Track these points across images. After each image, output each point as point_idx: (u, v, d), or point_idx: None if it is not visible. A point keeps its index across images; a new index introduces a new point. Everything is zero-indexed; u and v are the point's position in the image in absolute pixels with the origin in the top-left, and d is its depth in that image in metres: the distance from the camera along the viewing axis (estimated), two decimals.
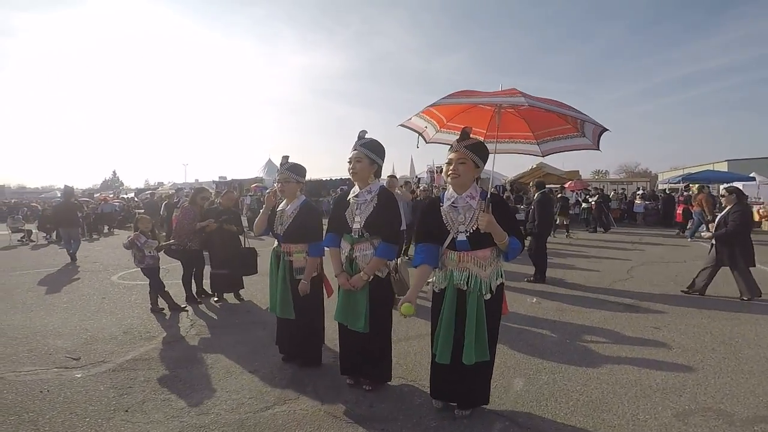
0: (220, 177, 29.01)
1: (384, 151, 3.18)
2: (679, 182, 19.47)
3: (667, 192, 19.38)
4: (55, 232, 14.72)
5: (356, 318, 3.05)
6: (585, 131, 2.97)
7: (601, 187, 21.29)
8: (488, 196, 2.64)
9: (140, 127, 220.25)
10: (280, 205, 3.66)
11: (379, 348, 3.17)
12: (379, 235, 3.05)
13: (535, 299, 5.82)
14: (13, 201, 33.83)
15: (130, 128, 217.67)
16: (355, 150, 3.10)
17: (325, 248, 3.41)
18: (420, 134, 3.38)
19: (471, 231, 2.63)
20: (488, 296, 2.66)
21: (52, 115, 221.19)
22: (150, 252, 5.40)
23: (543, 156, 3.29)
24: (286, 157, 3.68)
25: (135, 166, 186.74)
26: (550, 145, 3.19)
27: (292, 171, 3.58)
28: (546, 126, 3.10)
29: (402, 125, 3.31)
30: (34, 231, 14.77)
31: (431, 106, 2.92)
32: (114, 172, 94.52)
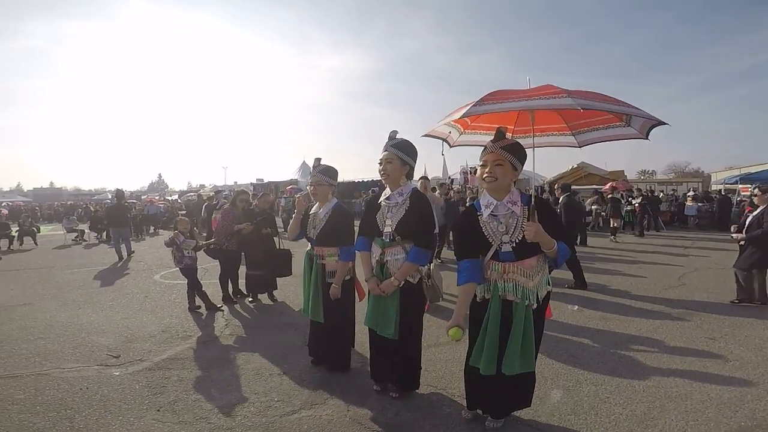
0: (257, 179, 29.74)
1: (416, 151, 3.07)
2: (736, 182, 18.25)
3: (723, 193, 18.21)
4: (105, 232, 15.53)
5: (386, 324, 2.95)
6: (631, 123, 2.74)
7: (650, 188, 20.27)
8: (532, 201, 2.47)
9: (183, 132, 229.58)
10: (313, 208, 3.63)
11: (408, 355, 3.07)
12: (411, 240, 2.94)
13: (576, 307, 5.54)
14: (69, 202, 35.96)
15: (174, 133, 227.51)
16: (385, 151, 3.01)
17: (356, 252, 3.35)
18: (444, 140, 3.26)
19: (516, 241, 2.47)
20: (535, 305, 2.52)
21: (103, 120, 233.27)
22: (188, 252, 5.54)
23: (579, 147, 3.07)
24: (318, 160, 3.65)
25: (179, 169, 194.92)
26: (587, 136, 2.98)
27: (324, 174, 3.54)
28: (582, 116, 2.89)
29: (427, 135, 3.19)
30: (86, 231, 15.60)
31: (463, 116, 2.78)
32: (159, 174, 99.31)
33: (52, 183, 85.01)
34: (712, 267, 8.29)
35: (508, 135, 2.91)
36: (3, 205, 26.25)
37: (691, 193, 18.96)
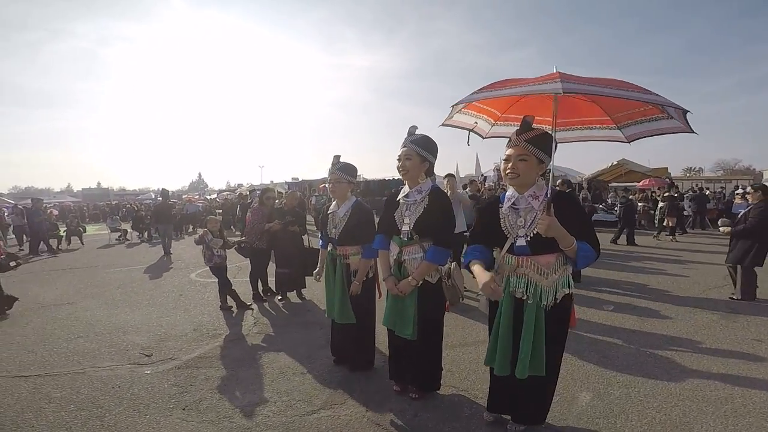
0: (292, 178, 30.17)
1: (436, 147, 2.98)
2: None
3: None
4: (147, 232, 16.16)
5: (404, 324, 2.89)
6: (669, 112, 2.48)
7: (699, 185, 19.27)
8: (548, 194, 2.32)
9: (223, 132, 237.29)
10: (331, 207, 3.61)
11: (428, 356, 3.01)
12: (430, 238, 2.87)
13: (611, 307, 5.31)
14: (114, 202, 37.47)
15: (214, 133, 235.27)
16: (404, 147, 2.93)
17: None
18: (471, 131, 3.12)
19: (532, 235, 2.35)
20: (550, 306, 2.37)
21: (148, 121, 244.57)
22: (217, 251, 5.65)
23: (629, 142, 2.75)
24: (337, 157, 3.63)
25: (218, 168, 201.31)
26: (633, 130, 2.68)
27: (343, 171, 3.51)
28: (622, 108, 2.64)
29: (444, 124, 3.06)
30: (129, 230, 16.25)
31: (464, 102, 2.65)
32: (200, 174, 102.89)
33: (99, 183, 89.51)
34: (763, 266, 7.77)
35: (546, 127, 2.71)
36: (53, 205, 27.69)
37: (739, 191, 17.88)
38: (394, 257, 3.00)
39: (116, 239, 15.44)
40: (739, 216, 5.81)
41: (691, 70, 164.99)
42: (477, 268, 2.47)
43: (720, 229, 6.05)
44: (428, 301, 2.91)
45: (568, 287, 2.42)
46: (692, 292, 6.00)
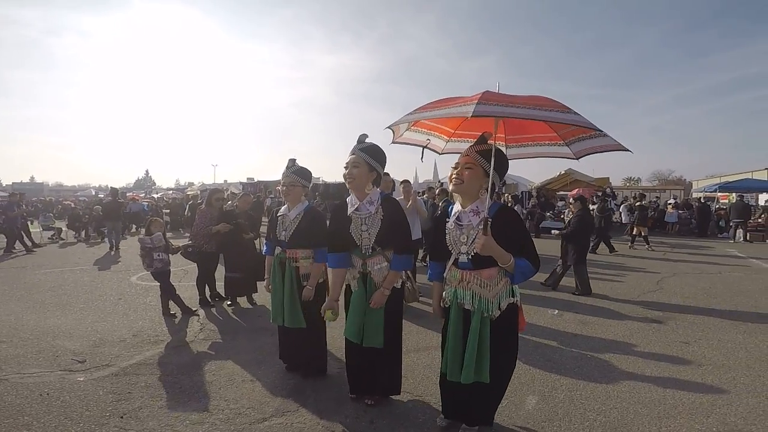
0: (248, 178, 29.32)
1: (385, 157, 2.96)
2: (715, 191, 18.64)
3: (702, 201, 18.57)
4: (84, 231, 15.17)
5: (375, 334, 2.84)
6: (600, 131, 2.53)
7: (641, 194, 20.59)
8: (486, 213, 2.35)
9: (172, 128, 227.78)
10: (282, 210, 3.54)
11: (392, 360, 3.00)
12: (392, 247, 2.87)
13: (556, 311, 5.55)
14: (48, 198, 34.90)
15: (162, 129, 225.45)
16: (353, 154, 2.89)
17: (330, 268, 3.21)
18: (425, 147, 3.10)
19: (472, 253, 2.40)
20: (495, 315, 2.42)
21: (89, 114, 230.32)
22: (158, 255, 5.37)
23: (577, 158, 2.81)
24: (292, 160, 3.56)
25: (167, 166, 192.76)
26: (579, 146, 2.75)
27: (298, 175, 3.46)
28: (568, 126, 2.65)
29: (395, 142, 3.02)
30: (63, 229, 15.19)
31: (396, 123, 2.67)
32: (147, 171, 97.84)
33: (33, 178, 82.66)
34: (690, 272, 8.43)
35: (499, 144, 2.79)
36: None
37: (671, 201, 19.33)
38: (359, 270, 2.93)
39: (48, 238, 14.38)
40: (566, 222, 6.95)
41: (638, 83, 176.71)
42: (435, 296, 2.73)
43: (553, 232, 7.54)
44: (393, 306, 2.91)
45: (512, 296, 2.48)
46: (628, 297, 6.39)
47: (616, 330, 4.82)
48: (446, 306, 2.61)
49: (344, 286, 3.06)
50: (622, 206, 17.37)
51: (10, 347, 4.31)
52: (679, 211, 17.34)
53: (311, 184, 3.72)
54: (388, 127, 2.86)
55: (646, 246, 11.98)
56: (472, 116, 2.10)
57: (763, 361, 3.90)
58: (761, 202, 19.88)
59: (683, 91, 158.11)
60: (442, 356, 2.64)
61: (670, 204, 18.46)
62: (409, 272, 3.04)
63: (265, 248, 3.78)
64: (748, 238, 13.98)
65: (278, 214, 3.53)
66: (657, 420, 2.89)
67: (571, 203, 7.83)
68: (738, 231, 14.17)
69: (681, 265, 9.27)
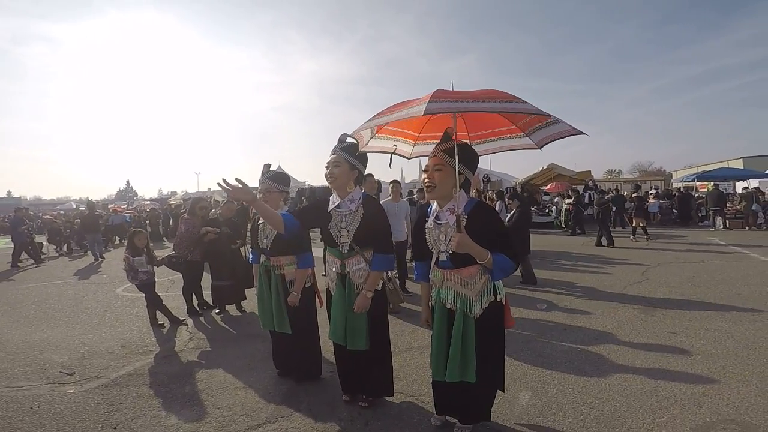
0: None
1: (366, 156, 2.98)
2: (693, 180, 19.03)
3: (682, 190, 18.92)
4: (66, 245, 14.89)
5: (357, 337, 2.84)
6: (554, 117, 2.49)
7: (617, 187, 20.90)
8: (459, 210, 2.36)
9: (153, 137, 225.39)
10: (262, 218, 3.51)
11: (380, 362, 2.99)
12: (371, 247, 2.87)
13: (545, 306, 5.60)
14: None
15: (143, 138, 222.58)
16: (334, 153, 2.90)
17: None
18: (393, 153, 3.07)
19: (450, 251, 2.40)
20: (477, 314, 2.42)
21: (65, 126, 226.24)
22: (143, 267, 5.29)
23: (539, 147, 2.76)
24: (267, 166, 3.54)
25: (149, 176, 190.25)
26: (539, 135, 2.70)
27: (274, 180, 3.44)
28: (522, 117, 2.65)
29: (362, 150, 2.91)
30: (44, 243, 14.87)
31: (358, 130, 2.59)
32: (128, 182, 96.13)
33: (9, 192, 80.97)
34: (673, 262, 8.57)
35: (464, 141, 2.78)
36: None
37: (653, 191, 19.65)
38: (336, 270, 2.94)
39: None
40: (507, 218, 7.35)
41: (617, 77, 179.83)
42: (423, 298, 2.77)
43: None
44: (375, 307, 2.90)
45: (495, 294, 2.47)
46: (615, 289, 6.47)
47: (604, 322, 4.88)
48: (432, 306, 2.62)
49: (325, 290, 3.08)
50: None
51: None
52: (661, 201, 17.64)
53: (297, 189, 3.70)
54: (350, 136, 2.80)
55: (645, 237, 11.86)
56: (424, 114, 2.11)
57: (750, 348, 3.98)
58: (738, 190, 20.32)
59: (661, 83, 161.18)
60: (431, 356, 2.64)
61: (651, 194, 18.78)
62: (391, 273, 3.03)
63: (251, 256, 3.75)
64: (727, 225, 14.26)
65: (259, 222, 3.50)
66: (650, 411, 2.93)
67: (510, 201, 8.26)
68: (717, 219, 14.44)
69: (665, 255, 9.41)
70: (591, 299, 5.92)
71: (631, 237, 12.07)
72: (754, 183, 19.34)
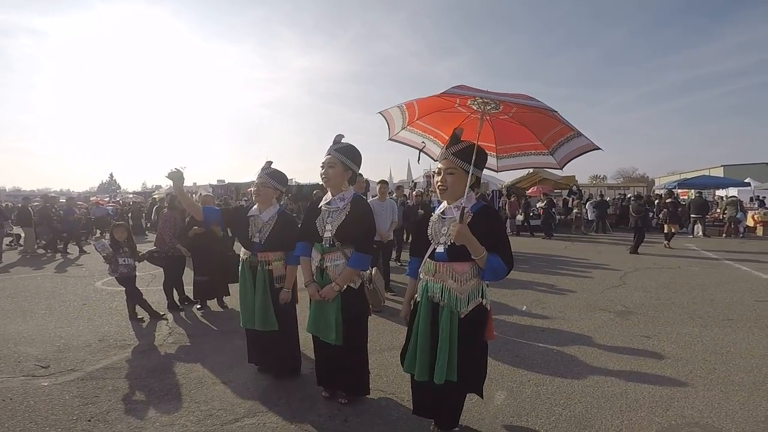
0: (218, 180, 28.69)
1: (360, 157, 3.03)
2: (675, 187, 19.43)
3: (664, 197, 19.30)
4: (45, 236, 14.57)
5: (328, 330, 2.91)
6: (576, 130, 2.59)
7: (601, 192, 21.24)
8: (467, 205, 2.43)
9: (138, 130, 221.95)
10: (252, 211, 3.52)
11: (354, 360, 3.03)
12: (352, 245, 2.92)
13: (525, 307, 5.70)
14: (5, 204, 33.32)
15: (128, 131, 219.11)
16: (328, 154, 2.97)
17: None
18: (421, 150, 3.08)
19: (450, 242, 2.45)
20: (463, 313, 2.45)
21: (50, 117, 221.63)
22: (123, 260, 5.24)
23: (561, 167, 2.81)
24: (269, 162, 3.57)
25: (133, 168, 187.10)
26: (561, 152, 2.75)
27: (271, 177, 3.46)
28: (547, 129, 2.70)
29: (392, 139, 3.04)
30: (22, 235, 14.55)
31: (388, 108, 2.72)
32: (111, 174, 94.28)
33: None
34: (651, 267, 8.78)
35: (491, 155, 2.85)
36: None
37: (632, 197, 19.98)
38: (317, 264, 3.01)
39: (7, 245, 13.75)
40: None
41: (605, 81, 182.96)
42: (407, 292, 2.81)
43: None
44: (351, 305, 2.94)
45: (482, 297, 2.50)
46: (593, 292, 6.61)
47: (581, 325, 4.99)
48: (417, 301, 2.64)
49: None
50: (588, 203, 17.91)
51: None
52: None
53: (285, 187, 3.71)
54: (380, 113, 2.88)
55: (665, 243, 11.79)
56: (441, 94, 2.25)
57: (717, 353, 4.11)
58: (718, 198, 20.84)
59: (648, 89, 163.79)
60: (404, 352, 2.65)
61: (632, 199, 19.11)
62: (372, 274, 3.06)
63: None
64: (705, 233, 14.60)
65: (249, 214, 3.51)
66: (619, 413, 3.01)
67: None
68: (696, 226, 14.76)
69: (643, 260, 9.64)
70: (570, 302, 6.04)
71: (665, 243, 11.84)
72: (732, 191, 19.85)
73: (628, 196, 20.28)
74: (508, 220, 15.63)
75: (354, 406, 3.06)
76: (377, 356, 3.90)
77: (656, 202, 18.61)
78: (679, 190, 19.10)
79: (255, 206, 3.53)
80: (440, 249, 2.50)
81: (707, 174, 30.16)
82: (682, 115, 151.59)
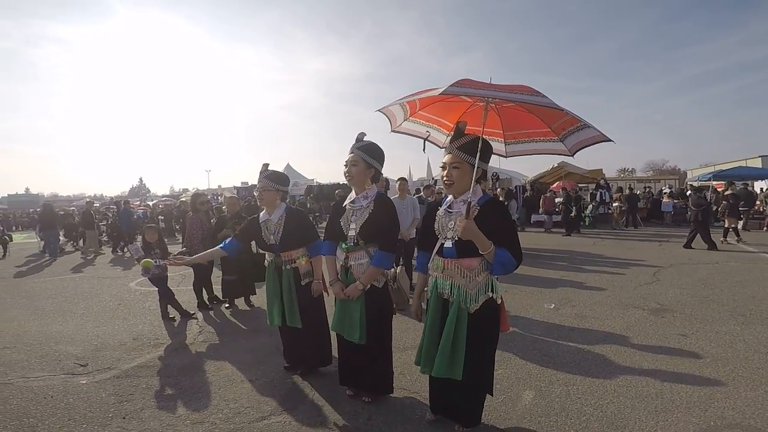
0: (242, 182, 29.33)
1: (383, 155, 3.02)
2: (709, 179, 18.65)
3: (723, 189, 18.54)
4: (81, 239, 15.19)
5: (352, 329, 2.91)
6: (584, 122, 2.56)
7: (630, 186, 20.59)
8: (473, 199, 2.39)
9: (164, 135, 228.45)
10: (261, 216, 3.56)
11: (377, 359, 3.02)
12: (375, 243, 2.92)
13: (552, 305, 5.58)
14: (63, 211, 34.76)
15: (154, 136, 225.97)
16: (351, 153, 2.98)
17: (322, 256, 3.31)
18: (426, 140, 3.09)
19: (456, 238, 2.42)
20: (473, 308, 2.42)
21: (81, 124, 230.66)
22: (156, 262, 5.37)
23: (572, 154, 2.79)
24: (265, 165, 3.61)
25: (161, 173, 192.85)
26: (572, 140, 2.73)
27: (270, 179, 3.49)
28: (557, 117, 2.66)
29: (395, 131, 3.11)
30: (61, 238, 15.18)
31: (387, 106, 2.73)
32: (140, 179, 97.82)
33: (28, 189, 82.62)
34: (686, 263, 8.45)
35: (497, 140, 2.84)
36: None
37: (666, 190, 19.34)
38: (341, 263, 3.04)
39: (44, 248, 14.36)
40: None
41: (623, 75, 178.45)
42: (417, 288, 2.80)
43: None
44: (375, 305, 2.94)
45: (492, 291, 2.44)
46: (625, 289, 6.39)
47: (613, 323, 4.84)
48: (427, 298, 2.63)
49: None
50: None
51: (14, 353, 4.37)
52: (675, 201, 17.35)
53: (306, 186, 3.75)
54: (379, 110, 2.94)
55: (737, 239, 11.11)
56: (440, 94, 2.24)
57: (761, 352, 3.91)
58: (756, 190, 19.91)
59: (673, 80, 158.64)
60: (418, 349, 2.65)
61: (665, 193, 18.49)
62: (396, 272, 3.06)
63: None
64: (746, 226, 13.96)
65: (261, 220, 3.54)
66: (654, 414, 2.91)
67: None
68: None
69: (678, 256, 9.28)
70: (600, 299, 5.87)
71: (722, 239, 11.15)
72: None
73: (664, 190, 19.62)
74: (545, 217, 15.29)
75: (377, 405, 3.06)
76: (401, 355, 3.89)
77: (688, 194, 17.94)
78: (714, 183, 18.31)
79: (263, 211, 3.56)
80: (448, 244, 2.47)
81: (744, 165, 28.88)
82: (715, 105, 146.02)
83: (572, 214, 14.39)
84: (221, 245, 3.60)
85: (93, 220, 13.65)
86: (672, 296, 5.94)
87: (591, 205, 16.14)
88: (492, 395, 2.71)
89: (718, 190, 18.27)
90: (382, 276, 2.97)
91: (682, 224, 16.07)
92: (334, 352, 3.68)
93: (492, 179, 16.04)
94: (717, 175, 18.87)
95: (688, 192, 18.40)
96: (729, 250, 9.88)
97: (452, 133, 2.79)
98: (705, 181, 19.40)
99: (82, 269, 9.95)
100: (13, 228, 26.60)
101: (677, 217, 16.72)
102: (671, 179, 28.38)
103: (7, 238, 14.17)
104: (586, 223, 15.69)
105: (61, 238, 15.28)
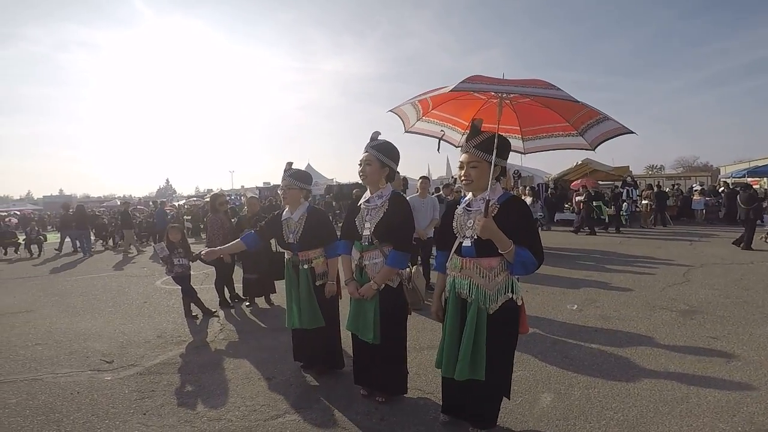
0: (264, 183, 29.78)
1: (398, 154, 3.00)
2: (744, 176, 17.90)
3: (732, 186, 17.85)
4: (111, 239, 15.69)
5: (366, 329, 2.90)
6: (602, 114, 2.53)
7: (658, 183, 19.96)
8: (492, 198, 2.36)
9: (189, 137, 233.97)
10: (284, 214, 3.59)
11: (391, 359, 3.01)
12: (390, 243, 2.90)
13: (575, 306, 5.44)
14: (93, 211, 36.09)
15: (179, 138, 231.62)
16: (366, 152, 2.96)
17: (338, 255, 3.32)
18: (440, 139, 3.07)
19: (475, 236, 2.38)
20: (492, 309, 2.38)
21: (111, 126, 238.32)
22: (178, 260, 5.50)
23: (593, 148, 2.73)
24: (289, 164, 3.63)
25: (187, 174, 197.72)
26: (592, 134, 2.66)
27: (294, 177, 3.52)
28: (575, 111, 2.61)
29: (408, 131, 3.09)
30: (92, 238, 15.70)
31: (399, 106, 2.72)
32: (167, 180, 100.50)
33: (61, 191, 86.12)
34: (718, 263, 8.13)
35: (515, 136, 2.80)
36: (12, 213, 26.63)
37: (697, 188, 18.66)
38: (356, 262, 3.03)
39: (79, 247, 14.88)
40: None
41: (643, 71, 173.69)
42: (437, 289, 2.75)
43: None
44: (390, 304, 2.92)
45: (512, 292, 2.40)
46: (652, 290, 6.19)
47: (638, 325, 4.69)
48: (446, 298, 2.60)
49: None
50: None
51: (45, 349, 4.53)
52: (707, 198, 16.72)
53: (325, 186, 3.77)
54: (391, 111, 2.93)
55: (765, 237, 10.64)
56: (451, 91, 2.21)
57: None
58: None
59: (704, 74, 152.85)
60: (439, 351, 2.62)
61: (696, 191, 17.82)
62: (411, 272, 3.02)
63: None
64: None
65: (282, 218, 3.58)
66: (678, 419, 2.80)
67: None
68: None
69: (710, 256, 8.92)
70: (626, 300, 5.70)
71: (765, 237, 10.75)
72: None
73: (695, 187, 18.93)
74: (576, 216, 14.90)
75: (391, 405, 3.04)
76: (416, 355, 3.86)
77: (721, 191, 17.30)
78: (749, 179, 17.56)
79: (286, 209, 3.59)
80: (467, 243, 2.43)
81: None
82: (749, 99, 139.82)
83: (593, 214, 14.01)
84: (240, 238, 3.69)
85: (131, 219, 14.18)
86: (703, 297, 5.72)
87: (625, 203, 15.65)
88: (509, 398, 2.65)
89: (754, 186, 17.54)
90: (396, 276, 2.95)
91: (714, 222, 15.52)
92: (345, 353, 3.71)
93: (514, 177, 15.77)
94: (752, 172, 18.12)
95: (721, 189, 17.77)
96: (765, 250, 9.46)
97: (468, 131, 2.75)
98: (739, 177, 18.65)
99: (111, 268, 10.24)
100: (48, 228, 27.61)
101: (710, 216, 16.12)
102: (702, 176, 27.36)
103: (42, 237, 14.70)
104: (623, 222, 15.20)
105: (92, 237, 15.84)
